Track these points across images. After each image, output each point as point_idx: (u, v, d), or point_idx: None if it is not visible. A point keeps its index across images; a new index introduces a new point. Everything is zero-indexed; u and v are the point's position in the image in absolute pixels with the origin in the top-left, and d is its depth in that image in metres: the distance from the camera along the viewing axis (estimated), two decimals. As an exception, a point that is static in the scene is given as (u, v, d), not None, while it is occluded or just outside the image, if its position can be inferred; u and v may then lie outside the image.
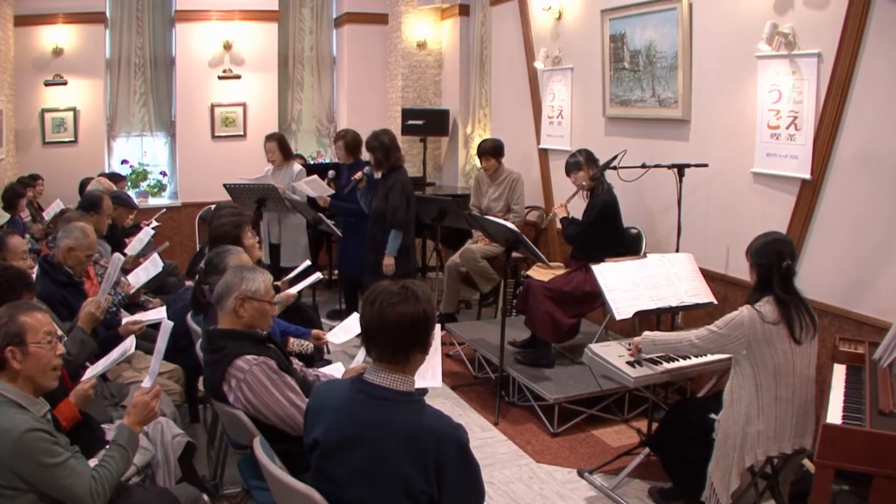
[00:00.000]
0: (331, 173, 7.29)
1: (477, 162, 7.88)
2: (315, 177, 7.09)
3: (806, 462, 3.89)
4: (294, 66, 10.22)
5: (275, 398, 3.10)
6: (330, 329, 4.73)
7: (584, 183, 5.77)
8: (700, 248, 5.45)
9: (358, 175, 6.56)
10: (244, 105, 9.66)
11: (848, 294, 4.59)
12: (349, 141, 7.20)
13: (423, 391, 3.27)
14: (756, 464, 3.56)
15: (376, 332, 2.49)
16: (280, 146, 7.36)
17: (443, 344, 6.26)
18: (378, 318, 2.47)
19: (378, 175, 6.48)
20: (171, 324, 3.15)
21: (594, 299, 5.46)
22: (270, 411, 3.10)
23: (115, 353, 3.49)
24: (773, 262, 3.59)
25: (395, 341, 2.48)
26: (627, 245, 5.88)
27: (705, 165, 5.37)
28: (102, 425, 3.44)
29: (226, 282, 3.34)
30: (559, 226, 6.09)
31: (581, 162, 5.78)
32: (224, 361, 3.17)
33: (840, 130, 4.60)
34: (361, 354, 3.92)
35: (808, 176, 4.78)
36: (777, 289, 3.57)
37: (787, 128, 4.89)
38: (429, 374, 3.42)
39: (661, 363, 4.05)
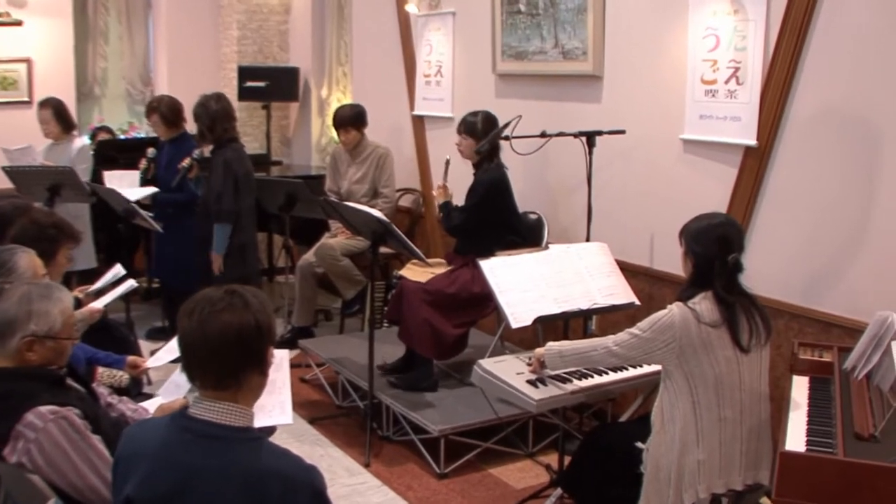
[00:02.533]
0: (150, 151, 7.19)
1: (334, 134, 7.80)
2: (124, 172, 6.97)
3: (765, 501, 3.90)
4: (96, 9, 9.91)
5: (74, 466, 2.90)
6: (151, 353, 4.63)
7: (463, 151, 5.80)
8: (616, 236, 5.46)
9: (186, 162, 6.51)
10: (28, 61, 9.18)
11: (809, 289, 4.64)
12: (165, 111, 7.13)
13: (271, 430, 3.25)
14: (698, 503, 3.53)
15: (196, 350, 2.45)
16: (57, 115, 7.27)
17: (296, 366, 6.20)
18: (198, 333, 2.43)
19: (207, 153, 6.44)
20: None
21: (484, 303, 5.46)
22: (67, 482, 2.90)
23: None
24: (715, 251, 3.58)
25: (220, 360, 2.43)
26: (525, 234, 5.91)
27: (622, 132, 5.38)
28: None
29: (7, 314, 3.05)
30: (439, 213, 6.06)
31: (475, 125, 5.76)
32: (10, 415, 2.91)
33: (795, 84, 4.64)
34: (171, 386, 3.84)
35: (753, 142, 4.81)
36: (717, 286, 3.56)
37: (727, 82, 4.93)
38: (276, 411, 3.41)
39: (572, 380, 4.02)
